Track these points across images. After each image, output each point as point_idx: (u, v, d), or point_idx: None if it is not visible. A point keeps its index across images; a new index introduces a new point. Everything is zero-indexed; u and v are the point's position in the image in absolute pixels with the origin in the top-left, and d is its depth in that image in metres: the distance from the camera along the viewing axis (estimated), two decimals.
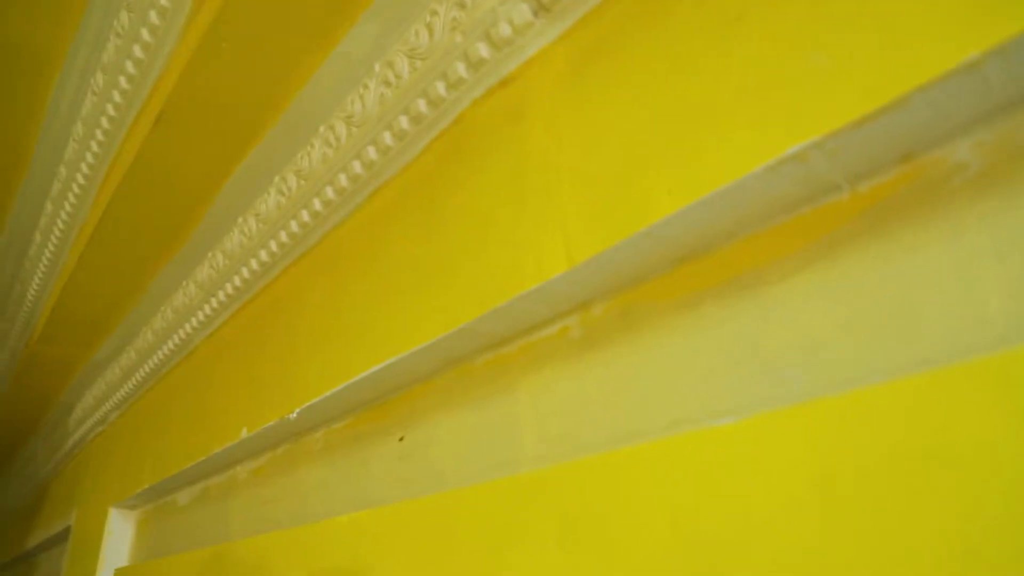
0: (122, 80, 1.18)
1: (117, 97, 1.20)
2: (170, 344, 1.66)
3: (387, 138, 0.99)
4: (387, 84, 0.97)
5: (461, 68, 0.87)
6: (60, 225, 1.56)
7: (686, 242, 0.65)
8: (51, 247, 1.65)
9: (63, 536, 2.58)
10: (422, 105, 0.93)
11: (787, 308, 0.58)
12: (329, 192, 1.10)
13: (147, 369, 1.81)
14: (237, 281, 1.35)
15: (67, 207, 1.49)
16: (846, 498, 0.44)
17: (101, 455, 2.24)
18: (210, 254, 1.41)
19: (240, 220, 1.31)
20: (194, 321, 1.53)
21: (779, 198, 0.58)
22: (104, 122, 1.26)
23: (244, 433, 1.24)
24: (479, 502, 0.73)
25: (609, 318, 0.73)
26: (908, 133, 0.52)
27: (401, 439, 0.97)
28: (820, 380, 0.54)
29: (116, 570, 1.87)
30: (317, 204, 1.12)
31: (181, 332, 1.58)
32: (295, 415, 1.09)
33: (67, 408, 2.43)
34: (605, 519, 0.59)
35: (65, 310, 1.77)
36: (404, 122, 0.96)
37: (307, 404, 1.06)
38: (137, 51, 1.12)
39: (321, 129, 1.09)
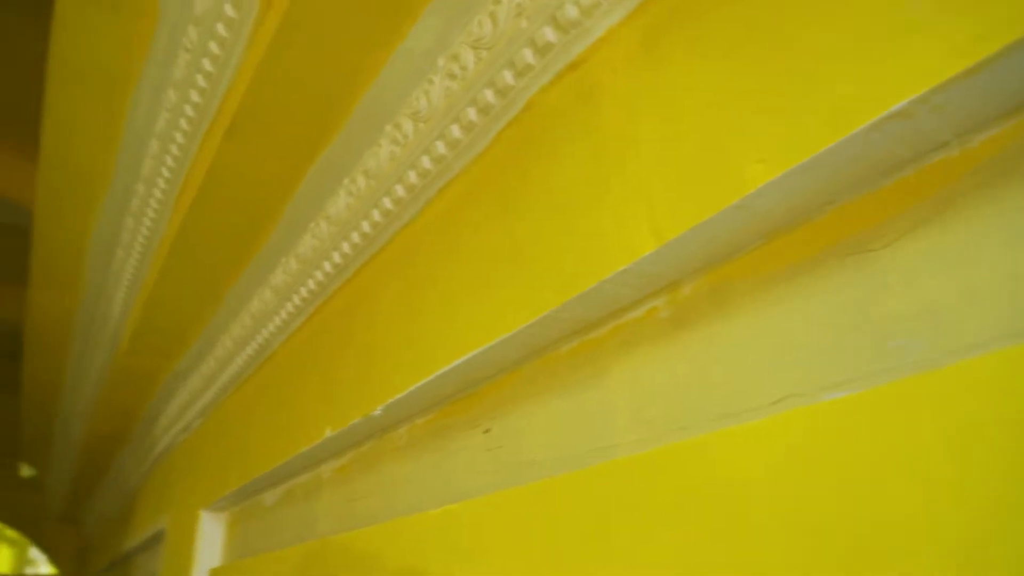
0: (193, 94, 1.21)
1: (189, 111, 1.24)
2: (249, 350, 1.70)
3: (455, 131, 0.99)
4: (452, 77, 0.97)
5: (528, 55, 0.86)
6: (141, 240, 1.61)
7: (781, 212, 0.62)
8: (133, 262, 1.71)
9: (157, 539, 2.68)
10: (489, 95, 0.93)
11: (897, 274, 0.55)
12: (399, 190, 1.10)
13: (227, 376, 1.86)
14: (312, 284, 1.38)
15: (146, 222, 1.54)
16: (985, 472, 0.42)
17: (188, 461, 2.31)
18: (284, 260, 1.44)
19: (312, 224, 1.33)
20: (271, 326, 1.56)
21: (883, 159, 0.55)
22: (178, 136, 1.30)
23: (328, 432, 1.26)
24: (578, 489, 0.72)
25: (699, 296, 0.71)
26: (1020, 83, 0.49)
27: (487, 431, 0.97)
28: (939, 348, 0.51)
29: (211, 570, 1.93)
30: (387, 203, 1.13)
31: (259, 338, 1.62)
32: (379, 412, 1.10)
33: (152, 418, 2.52)
34: (714, 499, 0.58)
35: (148, 323, 1.83)
36: (472, 114, 0.95)
37: (391, 401, 1.07)
38: (207, 64, 1.15)
39: (387, 128, 1.10)
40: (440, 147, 1.02)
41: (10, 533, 11.39)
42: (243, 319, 1.67)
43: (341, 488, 1.36)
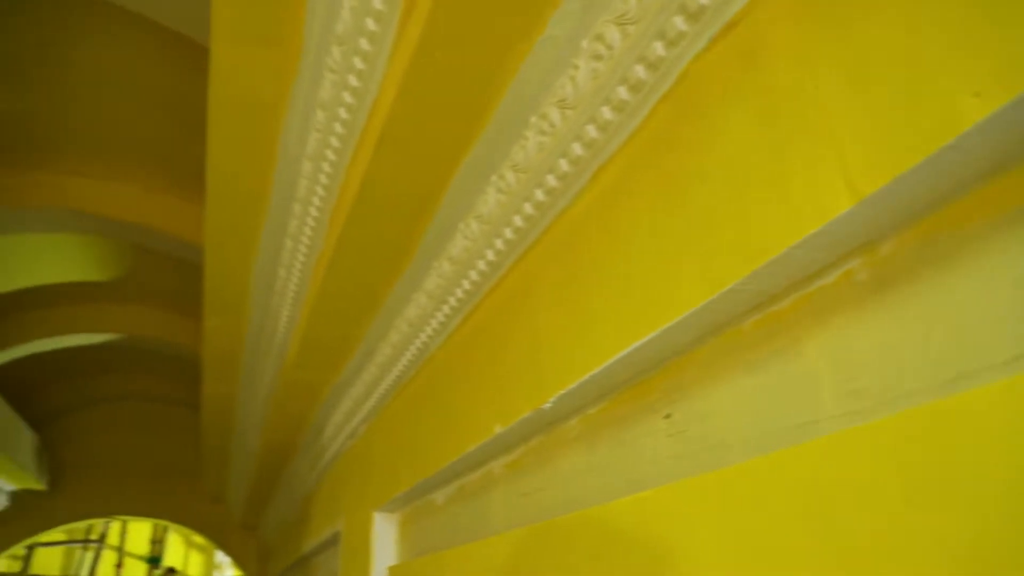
0: (341, 111, 1.25)
1: (339, 128, 1.29)
2: (408, 355, 1.75)
3: (606, 113, 0.97)
4: (598, 58, 0.95)
5: (679, 22, 0.83)
6: (300, 258, 1.70)
7: (1003, 149, 0.56)
8: (294, 280, 1.81)
9: (333, 541, 2.83)
10: (640, 71, 0.90)
11: None
12: (551, 180, 1.09)
13: (389, 382, 1.93)
14: (466, 284, 1.40)
15: (304, 240, 1.63)
16: None
17: (357, 466, 2.42)
18: (436, 263, 1.47)
19: (462, 225, 1.34)
20: (428, 330, 1.60)
21: None
22: (329, 154, 1.35)
23: (497, 429, 1.28)
24: (781, 470, 0.68)
25: (903, 253, 0.66)
26: None
27: (668, 416, 0.94)
28: None
29: (389, 568, 2.01)
30: (539, 195, 1.12)
31: (417, 342, 1.67)
32: (549, 405, 1.10)
33: (320, 427, 2.67)
34: (952, 471, 0.52)
35: (311, 336, 1.93)
36: (622, 93, 0.93)
37: (561, 392, 1.06)
38: (352, 80, 1.18)
39: (533, 119, 1.09)
40: (591, 131, 1.00)
41: (198, 539, 12.45)
42: (400, 325, 1.72)
43: (513, 483, 1.37)
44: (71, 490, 5.71)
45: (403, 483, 1.86)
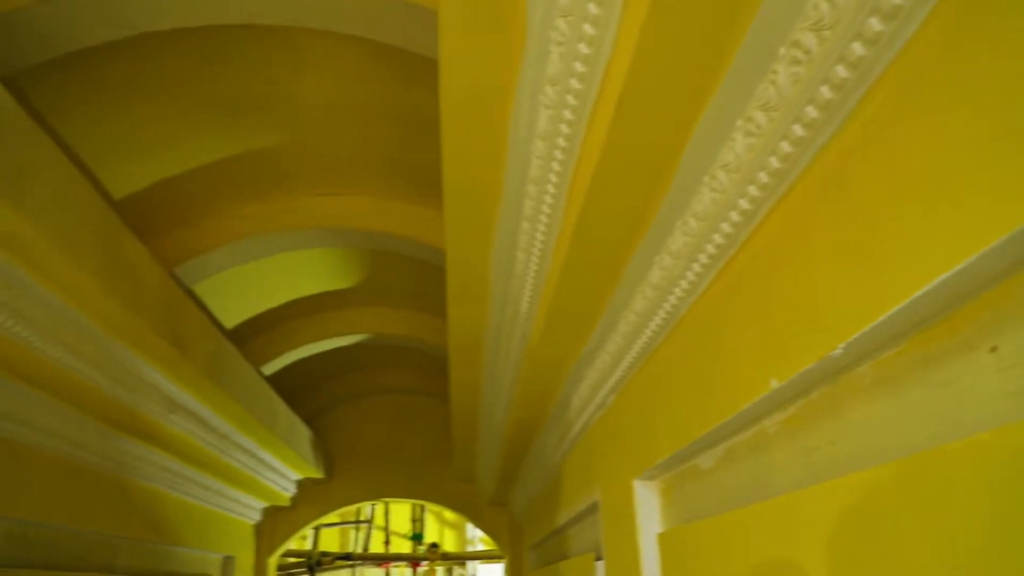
0: (573, 82, 1.25)
1: (571, 100, 1.29)
2: (656, 320, 1.73)
3: (874, 25, 0.87)
4: None
5: None
6: (539, 238, 1.74)
7: None
8: (535, 261, 1.86)
9: (589, 511, 2.90)
10: None
11: None
12: (810, 112, 1.01)
13: (636, 350, 1.92)
14: (717, 239, 1.34)
15: (543, 219, 1.66)
16: None
17: (608, 436, 2.45)
18: (680, 222, 1.43)
19: (707, 178, 1.29)
20: (677, 291, 1.56)
21: None
22: (563, 128, 1.36)
23: (773, 384, 1.22)
24: None
25: None
26: None
27: (994, 349, 0.83)
28: None
29: (658, 535, 2.01)
30: (798, 129, 1.04)
31: (666, 306, 1.64)
32: (839, 351, 1.02)
33: (565, 402, 2.73)
34: None
35: (555, 314, 1.97)
36: None
37: (853, 337, 0.98)
38: (582, 48, 1.18)
39: (782, 50, 1.01)
40: (857, 48, 0.90)
41: (450, 517, 13.43)
42: (644, 291, 1.70)
43: (795, 440, 1.30)
44: (342, 477, 6.39)
45: (663, 450, 1.85)
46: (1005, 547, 0.74)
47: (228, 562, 5.35)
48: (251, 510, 5.72)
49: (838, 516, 1.08)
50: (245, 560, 5.67)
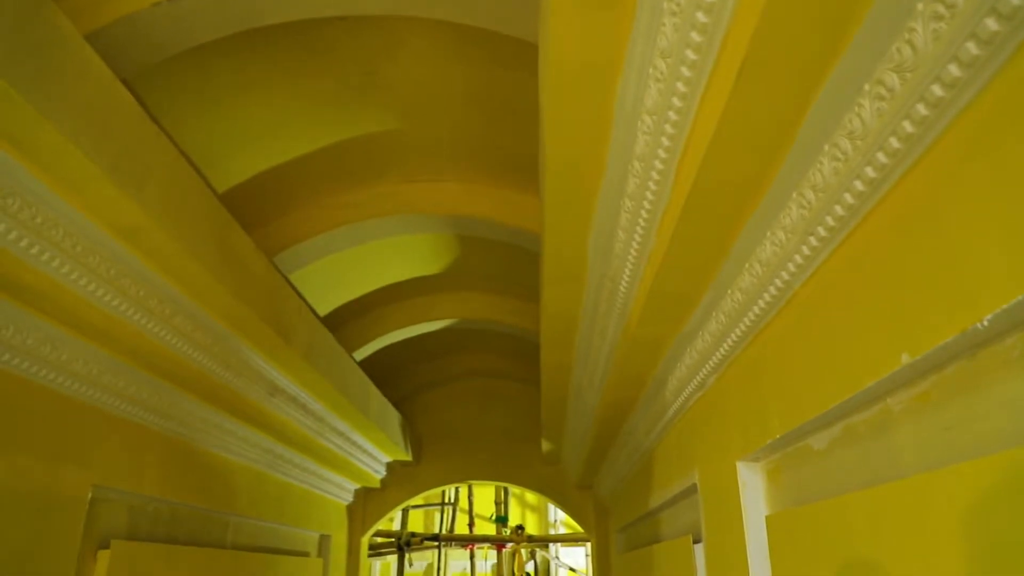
0: (689, 53, 1.22)
1: (685, 72, 1.26)
2: (764, 299, 1.69)
3: None
4: None
5: None
6: (643, 215, 1.72)
7: None
8: (637, 240, 1.84)
9: (686, 494, 2.87)
10: None
11: None
12: (952, 70, 0.96)
13: (741, 329, 1.88)
14: (838, 211, 1.30)
15: (648, 196, 1.64)
16: None
17: (709, 417, 2.42)
18: (796, 194, 1.38)
19: (827, 147, 1.25)
20: (791, 267, 1.52)
21: None
22: (675, 102, 1.34)
23: (905, 358, 1.17)
24: None
25: None
26: None
27: None
28: None
29: (768, 517, 1.97)
30: (937, 90, 0.99)
31: (777, 282, 1.60)
32: (985, 323, 0.97)
33: (661, 382, 2.71)
34: None
35: (657, 293, 1.95)
36: None
37: (1003, 307, 0.93)
38: (700, 17, 1.15)
39: (920, 6, 0.96)
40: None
41: (532, 500, 13.54)
42: (753, 268, 1.66)
43: (926, 418, 1.24)
44: (429, 459, 6.53)
45: (772, 430, 1.81)
46: None
47: (324, 540, 5.55)
48: (344, 491, 5.91)
49: (978, 498, 1.03)
50: (339, 539, 5.87)
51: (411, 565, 11.00)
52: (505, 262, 4.16)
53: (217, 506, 3.64)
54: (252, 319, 2.71)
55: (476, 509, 11.43)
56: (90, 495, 2.55)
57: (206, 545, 3.56)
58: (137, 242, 2.10)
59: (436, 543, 9.48)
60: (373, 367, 5.00)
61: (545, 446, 5.28)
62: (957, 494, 1.08)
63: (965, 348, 1.09)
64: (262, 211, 3.40)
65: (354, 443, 4.99)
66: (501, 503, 9.73)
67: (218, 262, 2.40)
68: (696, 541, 2.75)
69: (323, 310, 4.35)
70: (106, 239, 2.06)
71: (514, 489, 12.81)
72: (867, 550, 1.40)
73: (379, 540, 8.14)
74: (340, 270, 4.35)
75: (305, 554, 5.15)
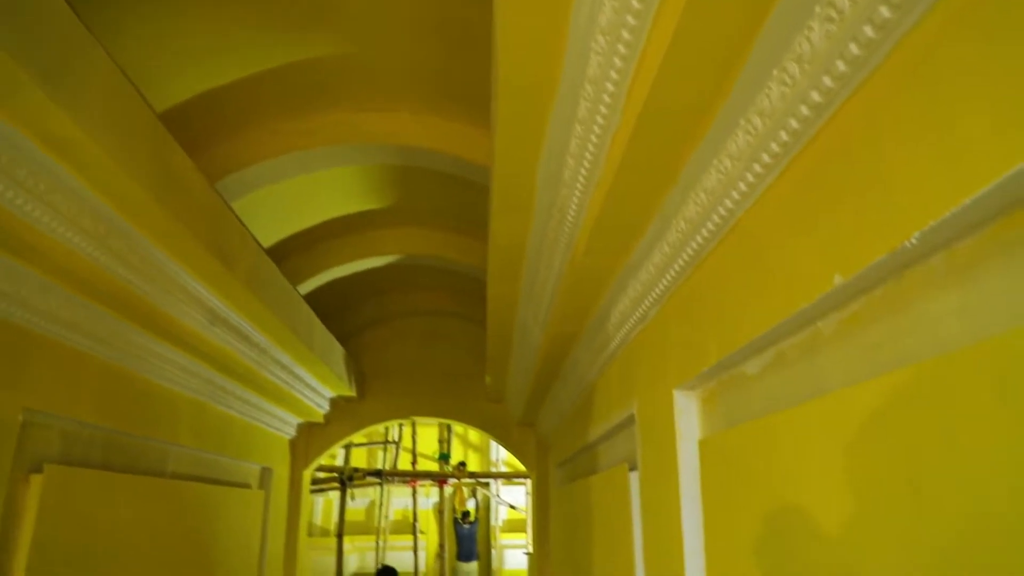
0: None
1: None
2: (708, 227, 1.72)
3: None
4: None
5: None
6: (593, 140, 1.72)
7: None
8: (585, 166, 1.84)
9: (625, 424, 2.96)
10: None
11: None
12: None
13: (684, 259, 1.92)
14: (784, 136, 1.32)
15: (599, 120, 1.64)
16: None
17: (649, 348, 2.48)
18: (743, 121, 1.40)
19: (775, 72, 1.26)
20: (734, 195, 1.55)
21: None
22: (629, 19, 1.33)
23: (837, 280, 1.21)
24: None
25: None
26: None
27: None
28: None
29: (700, 441, 2.05)
30: (884, 11, 1.01)
31: (720, 210, 1.63)
32: (914, 240, 1.02)
33: (605, 315, 2.76)
34: None
35: (604, 220, 1.97)
36: None
37: (930, 225, 0.97)
38: None
39: None
40: None
41: (473, 439, 13.77)
42: (698, 196, 1.69)
43: (853, 339, 1.30)
44: (373, 396, 6.55)
45: (709, 357, 1.87)
46: None
47: (266, 473, 5.56)
48: (287, 425, 5.90)
49: (902, 407, 1.09)
50: (281, 472, 5.89)
51: (353, 500, 11.12)
52: (455, 197, 4.13)
53: (156, 434, 3.60)
54: (191, 243, 2.64)
55: (419, 449, 11.57)
56: (21, 418, 2.49)
57: (144, 473, 3.53)
58: (69, 156, 2.01)
59: (379, 479, 9.59)
60: (318, 302, 4.95)
61: (489, 383, 5.36)
62: (878, 405, 1.14)
63: (894, 268, 1.14)
64: (205, 133, 3.28)
65: (297, 377, 4.97)
66: (444, 441, 9.89)
67: (155, 181, 2.31)
68: (632, 469, 2.84)
69: (267, 241, 4.26)
70: (35, 151, 1.96)
71: (457, 428, 13.01)
72: (792, 465, 1.47)
73: (322, 475, 8.20)
74: (286, 200, 4.26)
75: (246, 486, 5.16)
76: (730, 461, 1.83)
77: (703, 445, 2.04)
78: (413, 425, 11.13)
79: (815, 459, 1.37)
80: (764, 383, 1.71)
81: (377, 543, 11.26)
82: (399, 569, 7.91)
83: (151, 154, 2.30)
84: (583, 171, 1.86)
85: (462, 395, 6.57)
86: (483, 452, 13.88)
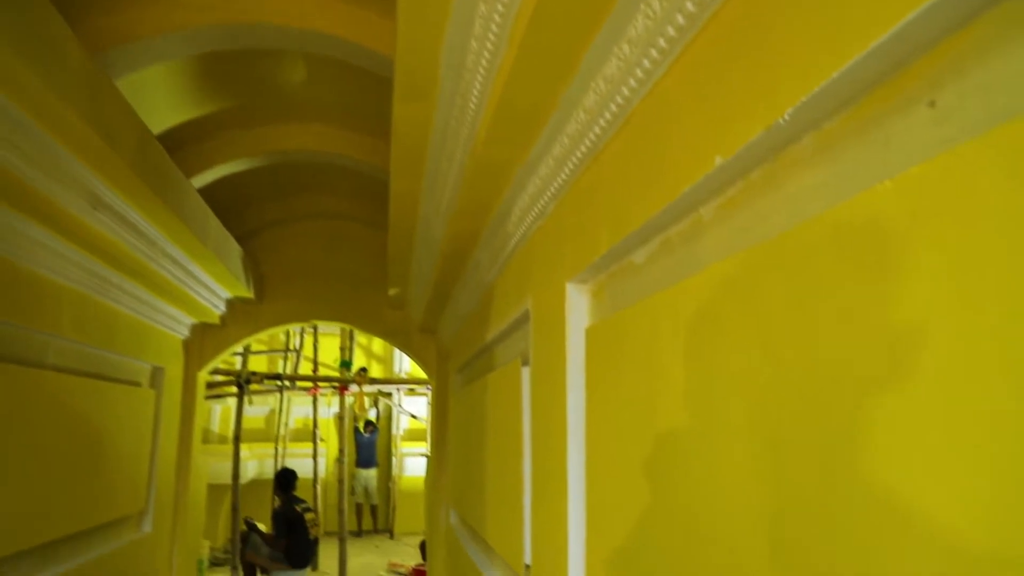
0: None
1: None
2: (604, 118, 1.75)
3: None
4: None
5: None
6: (496, 20, 1.69)
7: None
8: (488, 50, 1.82)
9: (521, 321, 3.04)
10: None
11: None
12: None
13: (582, 151, 1.95)
14: (680, 20, 1.34)
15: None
16: None
17: (545, 244, 2.53)
18: (643, 4, 1.41)
19: None
20: (631, 82, 1.57)
21: None
22: None
23: (717, 160, 1.27)
24: None
25: None
26: None
27: (932, 103, 0.89)
28: None
29: (586, 329, 2.14)
30: None
31: (618, 98, 1.65)
32: (785, 118, 1.07)
33: (505, 213, 2.78)
34: None
35: (505, 108, 1.96)
36: None
37: (800, 102, 1.03)
38: None
39: None
40: None
41: (377, 349, 13.81)
42: (597, 85, 1.70)
43: (729, 222, 1.37)
44: (272, 298, 6.43)
45: (600, 247, 1.93)
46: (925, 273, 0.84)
47: (157, 372, 5.42)
48: (180, 324, 5.73)
49: (771, 275, 1.16)
50: (174, 372, 5.75)
51: (251, 404, 11.02)
52: (360, 92, 3.99)
53: (34, 324, 3.43)
54: (66, 113, 2.46)
55: (321, 358, 11.51)
56: None
57: (22, 364, 3.37)
58: None
59: (278, 382, 9.52)
60: (214, 198, 4.75)
61: (391, 286, 5.34)
62: (748, 275, 1.22)
63: (769, 149, 1.20)
64: (87, 3, 3.01)
65: (190, 273, 4.80)
66: (346, 349, 9.87)
67: (21, 39, 2.12)
68: (524, 364, 2.93)
69: (156, 128, 4.02)
70: None
71: (360, 339, 12.99)
72: (670, 344, 1.56)
73: (219, 379, 8.06)
74: (177, 84, 4.00)
75: (136, 384, 5.02)
76: (612, 345, 1.92)
77: (589, 333, 2.13)
78: (315, 334, 11.03)
79: (691, 338, 1.45)
80: (649, 271, 1.78)
81: (276, 450, 11.28)
82: (299, 475, 7.98)
83: (15, 8, 2.10)
84: (486, 54, 1.84)
85: (363, 302, 6.53)
86: (387, 363, 13.97)
